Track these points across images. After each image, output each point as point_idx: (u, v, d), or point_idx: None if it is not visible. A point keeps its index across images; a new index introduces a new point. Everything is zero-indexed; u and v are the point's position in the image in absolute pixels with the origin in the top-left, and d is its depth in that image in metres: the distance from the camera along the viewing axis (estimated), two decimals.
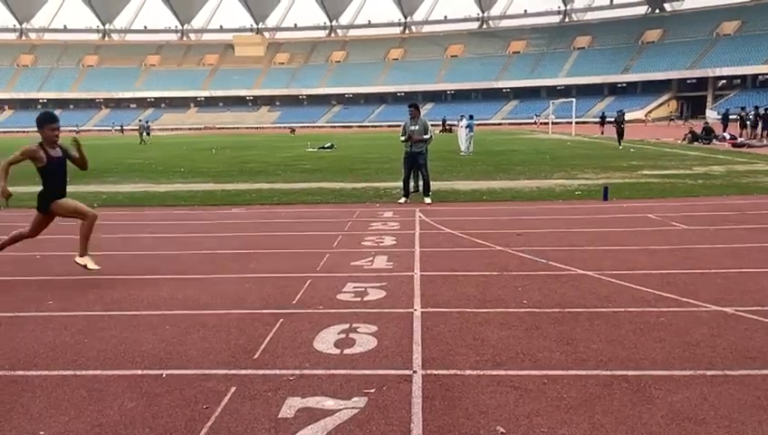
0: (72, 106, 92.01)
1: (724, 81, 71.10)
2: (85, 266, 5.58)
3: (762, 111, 28.92)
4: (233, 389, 3.31)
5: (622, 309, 4.55)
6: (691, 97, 72.98)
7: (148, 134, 44.57)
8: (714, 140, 27.78)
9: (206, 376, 3.48)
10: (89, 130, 77.71)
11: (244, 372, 3.53)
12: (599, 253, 6.50)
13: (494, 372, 3.46)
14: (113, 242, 7.64)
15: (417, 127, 10.68)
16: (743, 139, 27.63)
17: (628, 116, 28.10)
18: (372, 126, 78.74)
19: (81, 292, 5.30)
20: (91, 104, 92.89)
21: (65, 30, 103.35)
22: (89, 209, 5.67)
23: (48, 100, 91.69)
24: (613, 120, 28.28)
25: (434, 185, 11.36)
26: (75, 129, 74.41)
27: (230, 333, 4.18)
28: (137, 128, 44.33)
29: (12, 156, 5.36)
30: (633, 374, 3.40)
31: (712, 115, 55.29)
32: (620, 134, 26.13)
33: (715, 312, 4.45)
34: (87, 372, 3.57)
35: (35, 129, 5.45)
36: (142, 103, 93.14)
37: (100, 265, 5.67)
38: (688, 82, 72.53)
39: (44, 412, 3.09)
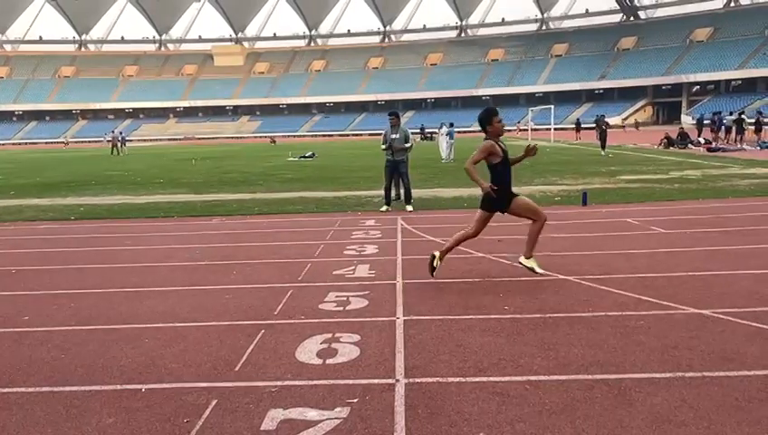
0: (48, 118, 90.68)
1: (699, 86, 72.43)
2: (532, 270, 5.53)
3: (734, 117, 29.48)
4: (214, 402, 3.27)
5: (602, 313, 4.59)
6: (667, 103, 74.25)
7: (124, 145, 44.16)
8: (689, 145, 28.25)
9: (186, 389, 3.44)
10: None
11: (225, 384, 3.50)
12: (579, 258, 6.56)
13: (477, 379, 3.47)
14: (92, 255, 7.53)
15: (397, 136, 10.73)
16: (716, 144, 28.09)
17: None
18: (353, 134, 78.77)
19: (59, 306, 5.22)
20: (67, 115, 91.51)
21: (41, 41, 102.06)
22: (542, 211, 5.60)
23: (24, 111, 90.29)
24: (595, 125, 27.83)
25: (415, 193, 11.39)
26: (64, 141, 73.42)
27: (211, 346, 4.14)
28: (110, 139, 43.67)
29: (472, 156, 5.37)
30: (614, 378, 3.43)
31: (687, 120, 56.29)
32: (603, 140, 25.36)
33: (693, 314, 4.51)
34: (64, 389, 3.51)
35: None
36: (120, 114, 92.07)
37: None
38: (663, 87, 73.70)
39: (21, 430, 3.03)
